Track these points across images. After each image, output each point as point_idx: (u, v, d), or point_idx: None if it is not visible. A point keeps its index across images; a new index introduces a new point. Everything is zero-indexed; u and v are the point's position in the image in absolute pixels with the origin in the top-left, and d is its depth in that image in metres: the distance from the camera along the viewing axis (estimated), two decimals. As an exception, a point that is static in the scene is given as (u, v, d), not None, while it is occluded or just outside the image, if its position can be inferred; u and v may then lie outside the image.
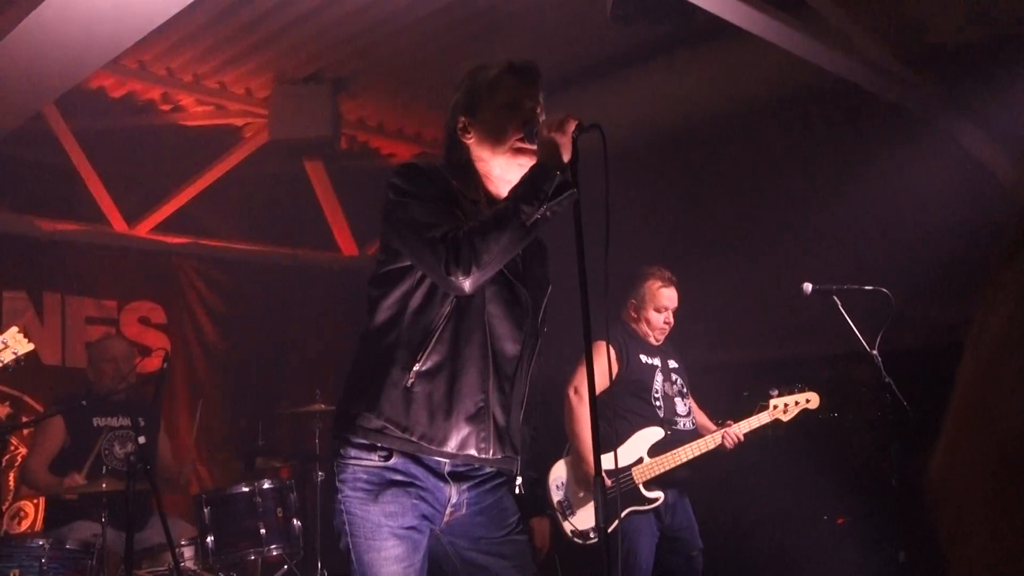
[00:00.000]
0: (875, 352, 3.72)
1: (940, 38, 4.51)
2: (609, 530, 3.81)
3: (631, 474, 4.08)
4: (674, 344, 4.42)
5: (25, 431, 5.41)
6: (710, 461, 4.21)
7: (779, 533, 5.54)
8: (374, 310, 2.38)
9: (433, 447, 2.29)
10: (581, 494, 4.11)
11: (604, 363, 4.00)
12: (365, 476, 2.29)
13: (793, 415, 4.27)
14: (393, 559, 2.26)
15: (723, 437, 4.13)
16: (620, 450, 4.02)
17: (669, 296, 4.26)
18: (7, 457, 4.84)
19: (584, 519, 4.07)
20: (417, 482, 2.32)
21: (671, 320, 4.28)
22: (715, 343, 5.95)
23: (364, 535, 2.27)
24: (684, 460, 4.10)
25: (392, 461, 2.29)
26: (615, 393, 3.90)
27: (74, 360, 6.01)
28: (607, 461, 3.85)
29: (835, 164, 5.37)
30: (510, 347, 2.40)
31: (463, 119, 2.49)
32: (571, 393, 4.08)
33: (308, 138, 5.89)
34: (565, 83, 5.19)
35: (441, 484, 2.35)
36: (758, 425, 4.22)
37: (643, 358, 4.24)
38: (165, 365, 3.98)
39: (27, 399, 5.78)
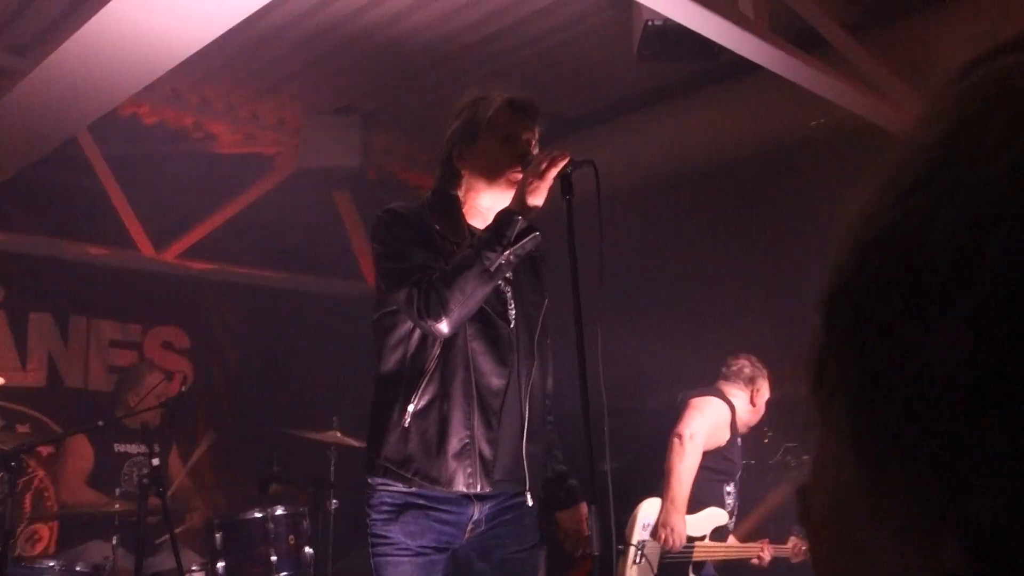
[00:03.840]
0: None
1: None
2: None
3: (694, 547, 4.03)
4: None
5: (45, 453, 5.45)
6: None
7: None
8: (380, 354, 2.56)
9: (427, 484, 2.43)
10: (657, 540, 3.97)
11: (720, 426, 4.15)
12: (389, 500, 2.47)
13: (799, 560, 4.33)
14: (411, 573, 2.43)
15: (762, 550, 4.20)
16: (695, 517, 4.02)
17: None
18: (24, 479, 4.86)
19: (645, 573, 3.95)
20: (439, 506, 2.46)
21: None
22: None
23: (385, 552, 2.45)
24: (729, 558, 4.17)
25: (414, 488, 2.45)
26: (706, 457, 4.03)
27: (96, 383, 6.07)
28: (690, 526, 3.96)
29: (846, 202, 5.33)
30: (495, 382, 2.49)
31: (460, 148, 2.55)
32: (686, 435, 3.96)
33: (337, 167, 5.96)
34: (586, 121, 5.22)
35: (465, 504, 2.47)
36: (779, 554, 4.30)
37: (739, 443, 4.28)
38: (183, 388, 4.01)
39: (47, 420, 5.82)
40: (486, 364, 2.48)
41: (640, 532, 4.00)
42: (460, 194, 2.61)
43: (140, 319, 6.39)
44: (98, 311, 6.21)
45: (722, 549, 4.13)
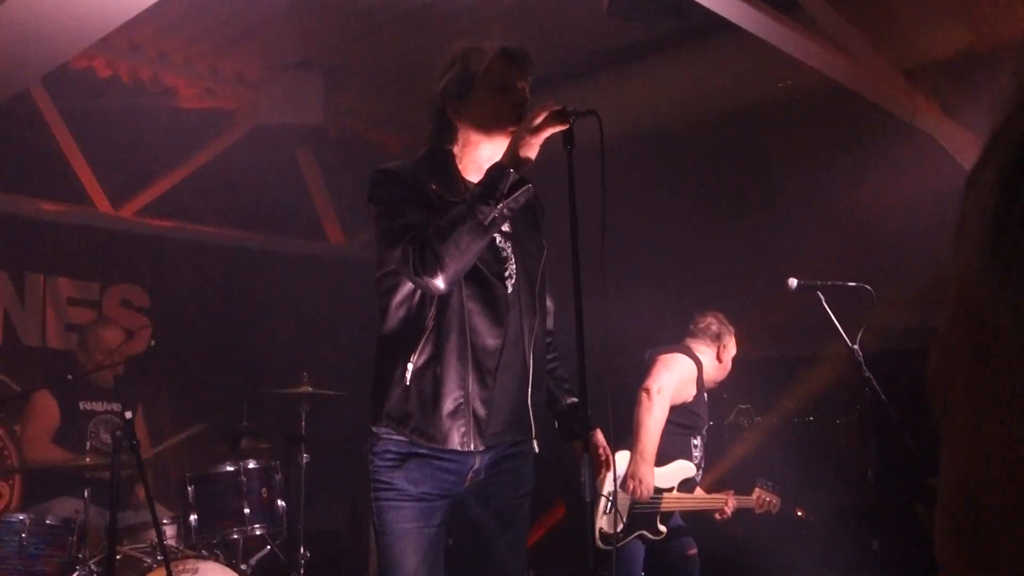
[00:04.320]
0: (856, 347, 3.79)
1: (931, 44, 4.59)
2: (619, 544, 3.89)
3: (662, 499, 4.14)
4: None
5: (2, 414, 5.38)
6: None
7: (757, 530, 5.61)
8: (384, 315, 2.58)
9: (423, 441, 2.49)
10: (625, 491, 4.05)
11: (686, 382, 4.24)
12: (394, 448, 2.53)
13: (760, 511, 4.53)
14: (411, 519, 2.49)
15: (726, 504, 4.32)
16: (663, 469, 4.13)
17: None
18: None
19: (616, 521, 4.04)
20: (441, 455, 2.51)
21: None
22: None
23: (388, 498, 2.51)
24: (696, 509, 4.30)
25: (413, 435, 2.50)
26: (676, 412, 4.15)
27: (55, 341, 5.99)
28: (658, 478, 4.04)
29: (823, 164, 5.44)
30: (491, 341, 2.53)
31: (454, 101, 2.55)
32: (654, 389, 4.07)
33: (298, 124, 5.90)
34: (556, 79, 5.23)
35: (467, 455, 2.52)
36: (742, 505, 4.45)
37: (705, 399, 4.39)
38: (152, 343, 3.99)
39: (5, 379, 5.74)
40: (482, 324, 2.51)
41: (610, 483, 4.09)
42: (456, 149, 2.60)
43: (98, 277, 6.29)
44: (55, 269, 6.10)
45: (689, 500, 4.25)
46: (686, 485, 4.25)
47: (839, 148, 5.39)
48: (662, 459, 4.10)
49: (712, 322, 4.45)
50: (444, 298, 2.47)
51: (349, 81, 5.99)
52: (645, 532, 4.10)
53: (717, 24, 4.02)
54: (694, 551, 4.25)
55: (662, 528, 4.14)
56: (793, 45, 4.13)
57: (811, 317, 3.94)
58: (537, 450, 2.65)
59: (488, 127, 2.53)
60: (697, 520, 4.38)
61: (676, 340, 4.46)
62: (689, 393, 4.25)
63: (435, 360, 2.48)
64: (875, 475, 3.87)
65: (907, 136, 5.01)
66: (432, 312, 2.48)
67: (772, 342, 5.89)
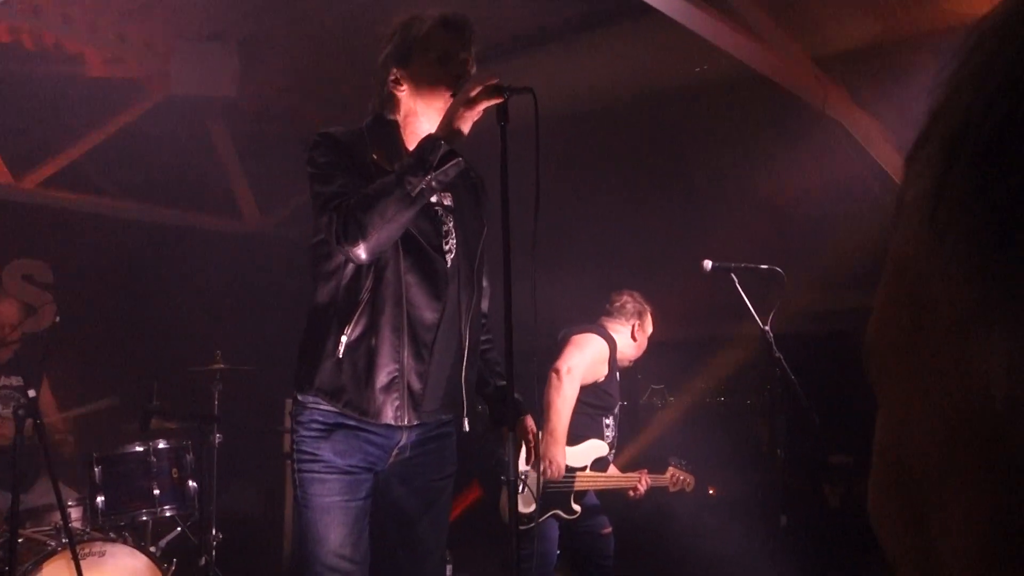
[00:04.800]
0: (767, 328, 3.89)
1: (841, 35, 4.71)
2: (532, 524, 3.88)
3: (575, 477, 4.13)
4: None
5: None
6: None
7: (670, 511, 5.73)
8: (315, 283, 2.52)
9: (355, 415, 2.44)
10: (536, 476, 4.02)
11: (597, 361, 4.21)
12: (320, 418, 2.47)
13: (675, 489, 4.60)
14: (337, 491, 2.44)
15: (640, 482, 4.35)
16: (575, 449, 4.11)
17: None
18: None
19: (528, 502, 3.98)
20: (368, 427, 2.46)
21: None
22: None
23: (313, 469, 2.45)
24: (611, 487, 4.32)
25: (345, 408, 2.45)
26: (584, 391, 4.12)
27: (-49, 317, 5.74)
28: (571, 457, 4.01)
29: (739, 149, 5.55)
30: (428, 315, 2.49)
31: (396, 71, 2.52)
32: (563, 370, 4.03)
33: (211, 96, 5.74)
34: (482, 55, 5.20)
35: (394, 430, 2.49)
36: (655, 484, 4.49)
37: (617, 378, 4.37)
38: (57, 319, 3.86)
39: None
40: (419, 297, 2.47)
41: (521, 464, 4.08)
42: (399, 118, 2.56)
43: (-2, 250, 6.05)
44: (-50, 242, 5.85)
45: (602, 479, 4.28)
46: (599, 464, 4.27)
47: (755, 134, 5.50)
48: (574, 439, 4.10)
49: (628, 301, 4.47)
50: (381, 268, 2.43)
51: (264, 53, 5.85)
52: (559, 511, 4.11)
53: (634, 7, 4.05)
54: (608, 530, 4.29)
55: (576, 507, 4.15)
56: (710, 30, 4.19)
57: (725, 299, 4.03)
58: (468, 428, 2.62)
59: (427, 97, 2.50)
60: (611, 499, 4.43)
61: (592, 320, 4.48)
62: (601, 373, 4.25)
63: (370, 332, 2.43)
64: (784, 453, 3.98)
65: (819, 124, 5.13)
66: (368, 284, 2.43)
67: (686, 324, 6.00)
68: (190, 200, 6.78)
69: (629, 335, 4.45)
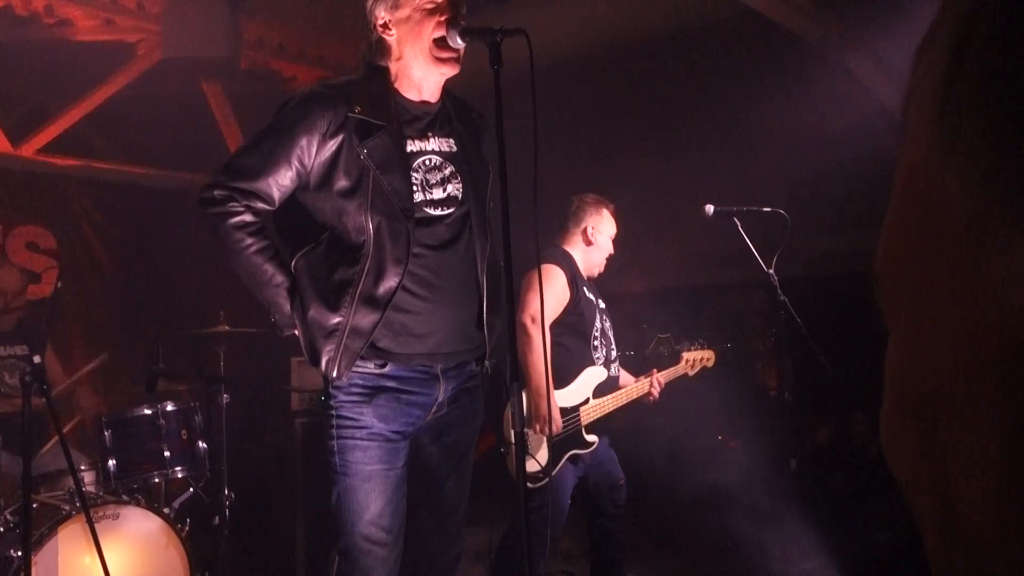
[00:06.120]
0: (771, 272, 3.87)
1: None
2: (552, 473, 3.75)
3: (579, 415, 3.90)
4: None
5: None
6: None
7: (681, 457, 5.76)
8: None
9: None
10: (534, 432, 3.73)
11: (557, 291, 3.86)
12: (360, 382, 2.43)
13: (696, 371, 4.36)
14: (378, 459, 2.41)
15: (652, 385, 4.07)
16: (569, 388, 3.89)
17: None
18: None
19: (534, 464, 3.78)
20: (409, 388, 2.46)
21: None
22: (617, 271, 6.07)
23: (353, 435, 2.41)
24: (622, 404, 4.02)
25: (387, 368, 2.43)
26: (560, 324, 3.83)
27: (-44, 286, 5.74)
28: (559, 399, 3.81)
29: (734, 92, 5.48)
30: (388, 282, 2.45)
31: (384, 16, 2.47)
32: (527, 321, 3.72)
33: (204, 57, 5.68)
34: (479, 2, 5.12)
35: (432, 384, 2.49)
36: (674, 377, 4.23)
37: (587, 292, 4.02)
38: (59, 284, 3.85)
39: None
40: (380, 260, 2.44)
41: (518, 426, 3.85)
42: (390, 65, 2.52)
43: (-1, 219, 6.04)
44: (-49, 211, 5.84)
45: (609, 401, 3.98)
46: (605, 388, 3.99)
47: (755, 76, 5.43)
48: (563, 379, 3.86)
49: (577, 206, 4.11)
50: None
51: (255, 11, 5.78)
52: (576, 450, 3.90)
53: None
54: (623, 481, 4.10)
55: (590, 439, 3.93)
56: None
57: (729, 244, 4.00)
58: (489, 370, 2.61)
59: (415, 43, 2.45)
60: (622, 447, 4.32)
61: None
62: (565, 298, 3.90)
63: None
64: (792, 396, 3.98)
65: (821, 65, 5.06)
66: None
67: (691, 270, 5.98)
68: (189, 162, 6.73)
69: (583, 242, 4.08)
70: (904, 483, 0.42)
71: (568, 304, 3.90)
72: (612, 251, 4.16)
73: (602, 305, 4.15)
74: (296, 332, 2.46)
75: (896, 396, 0.42)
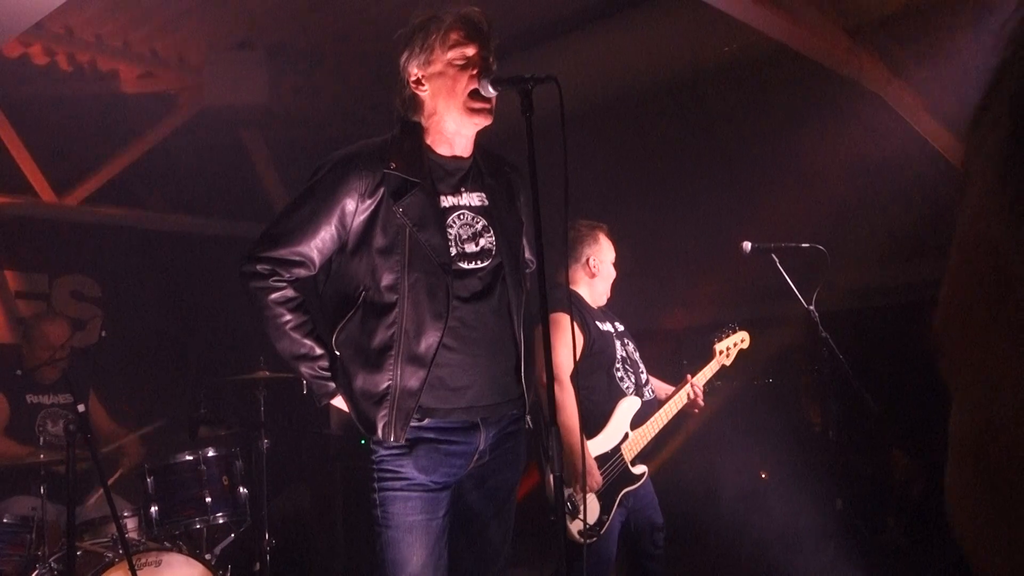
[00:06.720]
0: (812, 308, 3.82)
1: (873, 2, 4.60)
2: (610, 516, 3.63)
3: (620, 453, 3.80)
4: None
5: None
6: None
7: (722, 495, 5.67)
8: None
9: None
10: (576, 493, 3.60)
11: (571, 339, 3.70)
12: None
13: (733, 358, 4.16)
14: (420, 510, 2.41)
15: (690, 395, 3.91)
16: (605, 432, 3.78)
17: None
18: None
19: (590, 513, 3.65)
20: (449, 439, 2.46)
21: None
22: (653, 306, 6.04)
23: (394, 487, 2.42)
24: (663, 426, 3.89)
25: (426, 421, 2.44)
26: (580, 370, 3.66)
27: (3, 336, 5.86)
28: (597, 446, 3.74)
29: (773, 127, 5.46)
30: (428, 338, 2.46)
31: (416, 72, 2.50)
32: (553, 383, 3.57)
33: (243, 104, 5.79)
34: (507, 49, 5.18)
35: (473, 433, 2.49)
36: (711, 374, 4.08)
37: (600, 325, 3.91)
38: (103, 333, 3.91)
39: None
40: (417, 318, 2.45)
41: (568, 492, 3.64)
42: (422, 120, 2.55)
43: (45, 268, 6.17)
44: (0, 262, 5.97)
45: (651, 428, 3.85)
46: (642, 416, 3.85)
47: (788, 111, 5.41)
48: (599, 423, 3.78)
49: (574, 236, 3.92)
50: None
51: (292, 59, 5.88)
52: (627, 488, 3.78)
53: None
54: (662, 523, 3.94)
55: (637, 471, 3.82)
56: (737, 7, 4.12)
57: (768, 280, 3.96)
58: (530, 425, 2.61)
59: (448, 97, 2.48)
60: (659, 485, 4.21)
61: (626, 305, 4.11)
62: (580, 341, 3.75)
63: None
64: (836, 434, 3.91)
65: (855, 97, 5.03)
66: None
67: (730, 306, 5.92)
68: (229, 209, 6.85)
69: (587, 276, 3.96)
70: (969, 548, 0.41)
71: (583, 348, 3.79)
72: (615, 274, 4.04)
73: (620, 328, 4.03)
74: (332, 402, 2.52)
75: (964, 460, 0.41)
